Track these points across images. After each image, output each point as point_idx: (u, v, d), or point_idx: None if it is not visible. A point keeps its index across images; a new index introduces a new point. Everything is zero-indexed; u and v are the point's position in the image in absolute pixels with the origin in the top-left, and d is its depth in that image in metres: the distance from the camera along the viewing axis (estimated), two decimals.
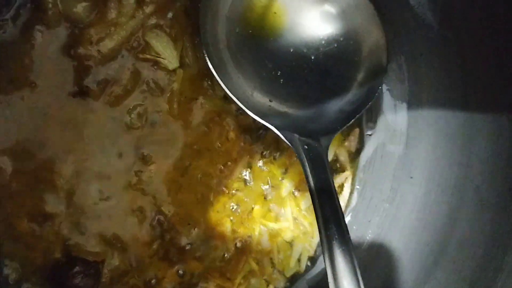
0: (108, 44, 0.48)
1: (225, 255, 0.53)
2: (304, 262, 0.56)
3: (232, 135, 0.53)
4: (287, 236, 0.55)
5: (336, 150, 0.57)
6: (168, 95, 0.51)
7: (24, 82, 0.47)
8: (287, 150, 0.54)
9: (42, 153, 0.48)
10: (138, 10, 0.49)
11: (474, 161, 0.48)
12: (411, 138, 0.54)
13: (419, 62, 0.52)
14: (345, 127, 0.48)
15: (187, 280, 0.52)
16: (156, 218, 0.51)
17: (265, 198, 0.55)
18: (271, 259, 0.55)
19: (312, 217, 0.55)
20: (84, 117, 0.49)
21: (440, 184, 0.51)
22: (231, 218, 0.54)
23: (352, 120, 0.48)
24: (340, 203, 0.56)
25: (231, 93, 0.47)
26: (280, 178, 0.55)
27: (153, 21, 0.49)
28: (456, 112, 0.49)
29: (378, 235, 0.55)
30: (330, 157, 0.56)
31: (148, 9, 0.49)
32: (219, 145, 0.53)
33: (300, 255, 0.56)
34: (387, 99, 0.55)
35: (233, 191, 0.53)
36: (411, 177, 0.54)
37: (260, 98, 0.48)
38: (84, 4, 0.47)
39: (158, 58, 0.49)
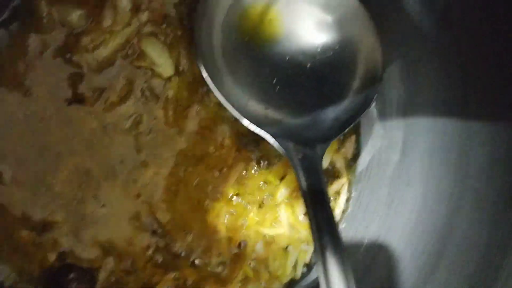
0: (103, 52, 0.48)
1: (221, 262, 0.53)
2: (300, 269, 0.56)
3: (227, 142, 0.53)
4: (283, 242, 0.55)
5: (332, 157, 0.57)
6: (163, 102, 0.51)
7: (18, 89, 0.47)
8: (283, 156, 0.54)
9: (39, 161, 0.48)
10: (134, 18, 0.49)
11: (471, 167, 0.47)
12: (407, 145, 0.54)
13: (415, 70, 0.52)
14: (340, 135, 0.48)
15: (183, 286, 0.52)
16: (152, 224, 0.51)
17: (260, 204, 0.55)
18: (267, 265, 0.55)
19: (308, 224, 0.55)
20: (79, 124, 0.49)
21: (438, 190, 0.51)
22: (227, 224, 0.54)
23: (348, 129, 0.48)
24: (337, 209, 0.57)
25: (226, 101, 0.47)
26: (276, 185, 0.55)
27: (148, 28, 0.49)
28: (453, 118, 0.49)
29: (375, 242, 0.55)
30: (326, 163, 0.56)
31: (144, 17, 0.49)
32: (215, 152, 0.53)
33: (296, 261, 0.56)
34: (383, 106, 0.55)
35: (229, 198, 0.53)
36: (408, 184, 0.54)
37: (256, 106, 0.48)
38: (79, 12, 0.47)
39: (153, 66, 0.49)
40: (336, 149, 0.56)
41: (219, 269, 0.53)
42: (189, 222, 0.53)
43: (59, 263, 0.49)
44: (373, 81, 0.49)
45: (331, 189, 0.57)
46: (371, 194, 0.57)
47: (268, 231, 0.55)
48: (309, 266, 0.57)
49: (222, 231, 0.53)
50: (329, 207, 0.43)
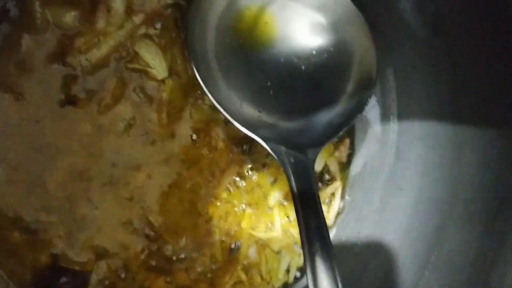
0: (96, 54, 0.48)
1: (213, 266, 0.53)
2: (293, 273, 0.56)
3: (221, 145, 0.53)
4: (276, 246, 0.55)
5: (326, 161, 0.56)
6: (157, 104, 0.50)
7: (10, 90, 0.47)
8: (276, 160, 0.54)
9: (31, 163, 0.48)
10: (127, 20, 0.48)
11: (464, 174, 0.48)
12: (401, 150, 0.54)
13: (409, 75, 0.52)
14: (333, 139, 0.48)
15: None
16: (144, 228, 0.51)
17: (253, 208, 0.54)
18: (259, 269, 0.55)
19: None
20: (72, 126, 0.48)
21: (430, 196, 0.51)
22: (219, 228, 0.53)
23: (340, 133, 0.48)
24: (331, 213, 0.57)
25: (220, 104, 0.47)
26: (268, 188, 0.55)
27: (142, 30, 0.49)
28: (446, 124, 0.49)
29: (367, 247, 0.55)
30: (320, 167, 0.56)
31: (137, 19, 0.48)
32: (208, 155, 0.52)
33: (289, 266, 0.56)
34: (377, 111, 0.55)
35: (222, 201, 0.53)
36: (401, 189, 0.54)
37: (249, 110, 0.48)
38: (73, 13, 0.47)
39: (147, 68, 0.49)
40: (330, 153, 0.56)
41: (212, 272, 0.53)
42: (181, 226, 0.52)
43: (51, 265, 0.49)
44: (367, 85, 0.49)
45: (325, 193, 0.56)
46: (364, 198, 0.57)
47: (261, 234, 0.54)
48: (302, 271, 0.56)
49: (215, 234, 0.53)
50: (321, 213, 0.43)
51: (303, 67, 0.50)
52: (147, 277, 0.51)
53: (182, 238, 0.52)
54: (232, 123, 0.47)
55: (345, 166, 0.57)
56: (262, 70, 0.49)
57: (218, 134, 0.53)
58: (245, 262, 0.54)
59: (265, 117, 0.48)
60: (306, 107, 0.49)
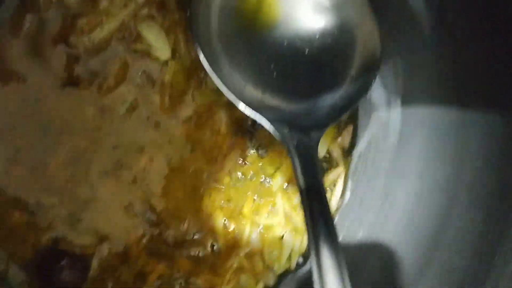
0: (99, 34, 0.48)
1: (215, 251, 0.53)
2: (295, 260, 0.56)
3: (223, 128, 0.52)
4: (278, 232, 0.55)
5: (329, 146, 0.56)
6: (160, 87, 0.50)
7: (11, 71, 0.46)
8: (280, 144, 0.53)
9: (33, 143, 0.47)
10: (130, 0, 0.48)
11: (467, 160, 0.47)
12: (404, 135, 0.54)
13: (413, 59, 0.51)
14: (336, 121, 0.48)
15: (176, 275, 0.52)
16: (146, 212, 0.51)
17: (256, 193, 0.54)
18: (261, 255, 0.54)
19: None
20: (74, 107, 0.48)
21: (433, 182, 0.50)
22: (222, 213, 0.53)
23: (344, 115, 0.48)
24: (333, 199, 0.57)
25: (223, 85, 0.46)
26: (272, 173, 0.54)
27: (145, 11, 0.49)
28: (449, 110, 0.49)
29: (370, 233, 0.54)
30: (323, 152, 0.56)
31: None
32: (211, 138, 0.52)
33: (291, 252, 0.55)
34: (381, 95, 0.54)
35: (224, 186, 0.53)
36: (404, 176, 0.53)
37: (252, 91, 0.48)
38: None
39: (150, 49, 0.49)
40: (333, 138, 0.56)
41: (214, 257, 0.53)
42: (184, 210, 0.52)
43: (52, 247, 0.48)
44: (371, 68, 0.49)
45: (328, 179, 0.56)
46: (367, 185, 0.56)
47: (264, 220, 0.54)
48: (305, 257, 0.56)
49: (217, 219, 0.53)
50: (324, 196, 0.42)
51: (307, 50, 0.49)
52: (148, 262, 0.51)
53: (184, 223, 0.52)
54: (235, 105, 0.47)
55: (348, 152, 0.57)
56: (266, 52, 0.49)
57: (221, 117, 0.52)
58: (247, 247, 0.54)
59: (269, 99, 0.48)
60: (310, 90, 0.49)
